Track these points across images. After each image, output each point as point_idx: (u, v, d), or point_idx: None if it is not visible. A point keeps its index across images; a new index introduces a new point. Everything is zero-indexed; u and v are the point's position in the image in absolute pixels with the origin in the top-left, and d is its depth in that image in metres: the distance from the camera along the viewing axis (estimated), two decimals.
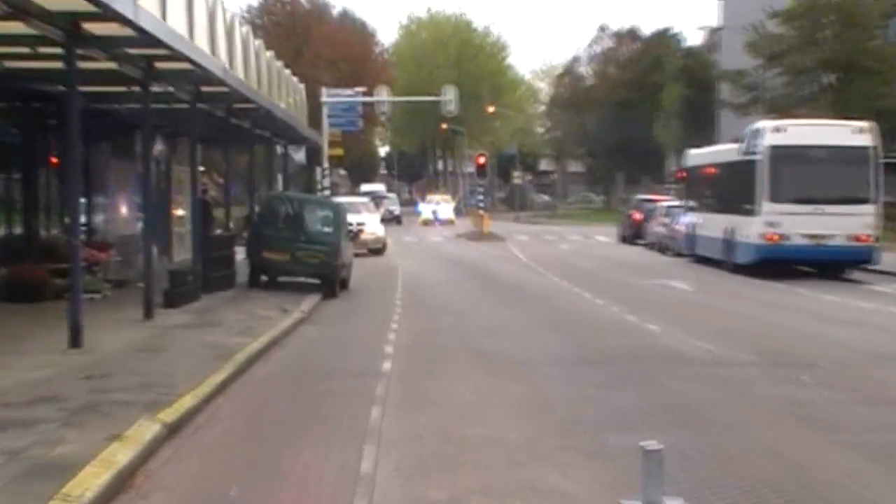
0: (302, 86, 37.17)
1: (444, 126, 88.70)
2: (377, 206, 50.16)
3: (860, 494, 7.95)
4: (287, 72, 33.18)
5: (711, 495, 7.76)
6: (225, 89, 20.13)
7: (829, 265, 28.39)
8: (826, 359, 14.47)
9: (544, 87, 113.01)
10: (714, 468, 8.55)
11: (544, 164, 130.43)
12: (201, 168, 29.00)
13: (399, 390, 12.36)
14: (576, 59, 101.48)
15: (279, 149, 36.60)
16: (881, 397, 11.73)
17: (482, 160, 53.86)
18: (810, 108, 44.55)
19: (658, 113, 70.26)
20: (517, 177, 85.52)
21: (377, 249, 39.33)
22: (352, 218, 34.57)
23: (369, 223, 39.18)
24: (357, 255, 30.73)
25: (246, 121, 26.57)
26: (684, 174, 38.12)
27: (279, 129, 30.15)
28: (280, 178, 38.50)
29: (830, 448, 9.37)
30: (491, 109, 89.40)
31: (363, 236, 36.07)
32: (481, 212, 54.68)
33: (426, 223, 67.59)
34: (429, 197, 77.88)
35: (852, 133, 28.21)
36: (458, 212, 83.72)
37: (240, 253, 26.20)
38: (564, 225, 69.75)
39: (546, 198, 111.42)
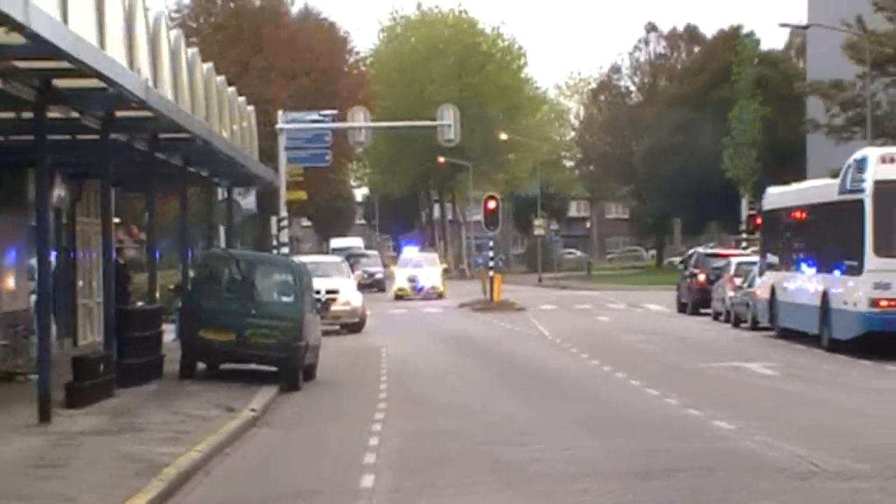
0: (251, 108, 37.39)
1: (442, 160, 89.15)
2: (353, 267, 50.21)
3: None
4: (231, 90, 33.38)
5: None
6: (148, 114, 20.18)
7: None
8: None
9: (574, 107, 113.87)
10: None
11: (575, 209, 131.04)
12: (116, 220, 29.03)
13: None
14: (615, 70, 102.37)
15: (221, 192, 36.67)
16: None
17: (493, 204, 53.95)
18: None
19: (727, 139, 70.53)
20: (539, 226, 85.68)
21: (354, 325, 39.32)
22: (319, 283, 34.63)
23: (343, 290, 39.21)
24: (326, 333, 30.63)
25: (176, 156, 26.63)
26: (762, 220, 38.12)
27: (221, 167, 30.23)
28: (222, 231, 38.56)
29: None
30: (504, 137, 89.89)
31: (335, 307, 36.08)
32: (491, 273, 54.76)
33: (401, 295, 61.46)
34: (404, 254, 70.36)
35: None
36: (458, 272, 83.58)
37: (169, 332, 26.10)
38: (603, 289, 69.69)
39: (578, 253, 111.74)
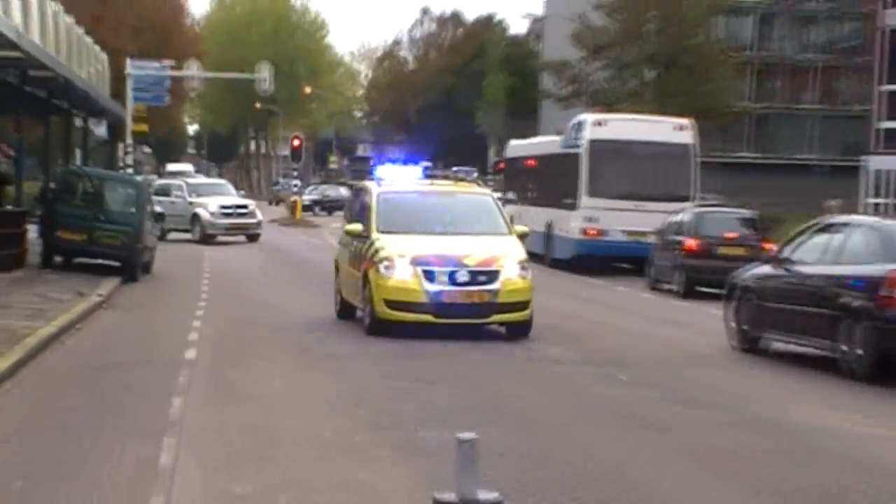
0: (104, 55, 36.05)
1: (259, 105, 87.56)
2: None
3: (672, 490, 8.20)
4: (88, 40, 32.11)
5: (528, 494, 7.85)
6: (18, 54, 19.31)
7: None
8: (643, 357, 14.83)
9: (364, 70, 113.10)
10: (530, 467, 8.66)
11: (362, 150, 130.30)
12: None
13: (203, 381, 12.15)
14: (397, 43, 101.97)
15: (78, 122, 35.38)
16: (693, 398, 12.10)
17: (297, 142, 53.39)
18: (633, 102, 45.78)
19: (481, 101, 71.11)
20: (334, 161, 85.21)
21: (256, 235, 37.91)
22: (225, 201, 36.71)
23: (250, 206, 38.41)
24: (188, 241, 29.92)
25: (42, 90, 25.58)
26: (505, 165, 38.57)
27: (78, 101, 29.16)
28: (79, 153, 37.25)
29: (645, 447, 9.63)
30: (308, 90, 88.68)
31: (244, 220, 37.08)
32: (294, 197, 54.27)
33: (392, 317, 15.33)
34: (386, 188, 16.83)
35: (672, 130, 29.07)
36: (270, 195, 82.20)
37: (32, 232, 25.19)
38: None
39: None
